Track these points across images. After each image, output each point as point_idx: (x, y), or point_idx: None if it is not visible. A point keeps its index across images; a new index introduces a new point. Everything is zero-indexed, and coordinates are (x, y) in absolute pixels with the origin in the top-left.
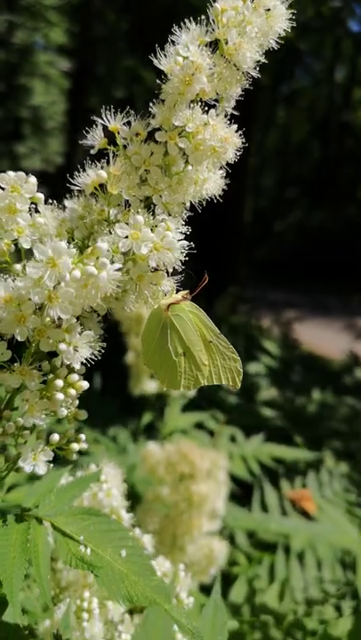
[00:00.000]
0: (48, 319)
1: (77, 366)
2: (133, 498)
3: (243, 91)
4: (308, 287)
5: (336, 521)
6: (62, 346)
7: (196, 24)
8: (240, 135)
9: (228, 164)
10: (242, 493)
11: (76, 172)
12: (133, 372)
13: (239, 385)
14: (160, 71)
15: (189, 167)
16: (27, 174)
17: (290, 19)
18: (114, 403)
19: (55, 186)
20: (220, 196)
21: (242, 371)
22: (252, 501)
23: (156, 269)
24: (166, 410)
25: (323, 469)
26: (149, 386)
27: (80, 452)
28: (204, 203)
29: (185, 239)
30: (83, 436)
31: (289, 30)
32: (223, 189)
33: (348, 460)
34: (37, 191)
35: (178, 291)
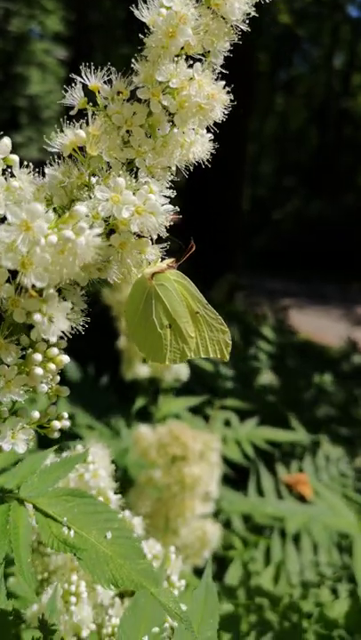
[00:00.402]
0: (23, 288)
1: (53, 339)
2: (126, 482)
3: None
4: (306, 276)
5: (333, 504)
6: (37, 316)
7: None
8: (228, 92)
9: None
10: (237, 477)
11: (55, 134)
12: (125, 357)
13: (227, 357)
14: (144, 26)
15: (175, 129)
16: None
17: None
18: (108, 388)
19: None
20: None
21: (230, 342)
22: (247, 485)
23: (139, 236)
24: (160, 394)
25: (319, 454)
26: (142, 370)
27: (72, 437)
28: (191, 168)
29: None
30: (65, 414)
31: None
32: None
33: (345, 445)
34: (17, 157)
35: (163, 260)
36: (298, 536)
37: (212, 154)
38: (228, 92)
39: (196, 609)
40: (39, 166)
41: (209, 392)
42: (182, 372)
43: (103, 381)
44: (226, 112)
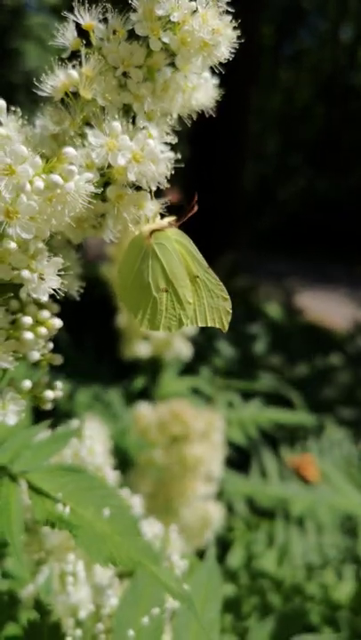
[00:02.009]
0: (10, 243)
1: (44, 298)
2: (126, 462)
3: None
4: (312, 256)
5: (338, 486)
6: (25, 273)
7: None
8: (234, 28)
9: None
10: (240, 460)
11: (45, 76)
12: (125, 336)
13: (226, 327)
14: None
15: (177, 73)
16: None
17: None
18: (107, 367)
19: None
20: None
21: (230, 311)
22: (250, 468)
23: (137, 188)
24: (160, 374)
25: (324, 436)
26: (142, 349)
27: (69, 416)
28: (193, 116)
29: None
30: (59, 384)
31: None
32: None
33: (350, 428)
34: (4, 103)
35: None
36: (302, 518)
37: (212, 119)
38: (235, 28)
39: (198, 590)
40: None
41: (211, 370)
42: (184, 351)
43: (102, 360)
44: (232, 51)
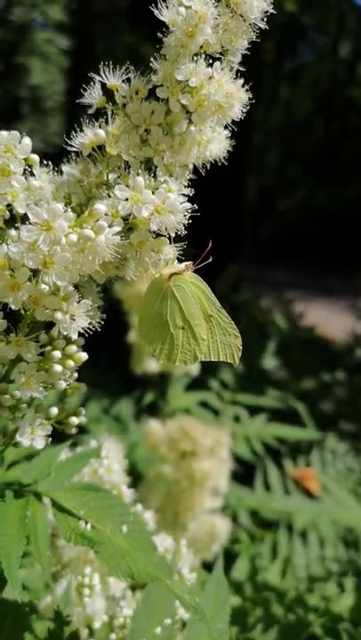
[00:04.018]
0: (44, 286)
1: (74, 336)
2: (135, 476)
3: (245, 65)
4: (311, 266)
5: (340, 499)
6: (58, 315)
7: None
8: (247, 90)
9: (231, 141)
10: (245, 473)
11: (74, 133)
12: (135, 351)
13: (237, 362)
14: (162, 24)
15: (192, 127)
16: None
17: None
18: (117, 382)
19: (56, 165)
20: (223, 173)
21: (241, 348)
22: (254, 480)
23: (157, 234)
24: (169, 388)
25: (326, 449)
26: (151, 365)
27: (81, 430)
28: (208, 165)
29: (188, 202)
30: (83, 410)
31: None
32: (226, 166)
33: (351, 440)
34: (38, 157)
35: (180, 262)
36: (304, 530)
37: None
38: (247, 91)
39: (207, 602)
40: (42, 157)
41: (219, 384)
42: (193, 367)
43: (111, 371)
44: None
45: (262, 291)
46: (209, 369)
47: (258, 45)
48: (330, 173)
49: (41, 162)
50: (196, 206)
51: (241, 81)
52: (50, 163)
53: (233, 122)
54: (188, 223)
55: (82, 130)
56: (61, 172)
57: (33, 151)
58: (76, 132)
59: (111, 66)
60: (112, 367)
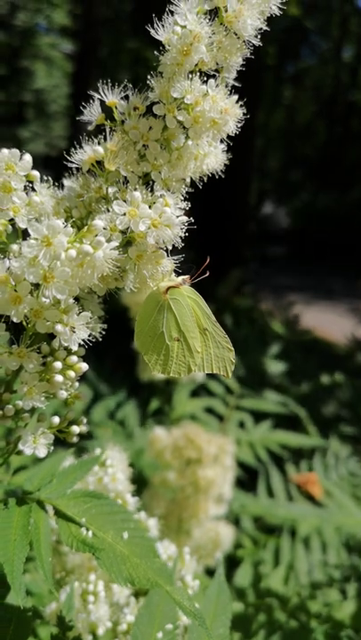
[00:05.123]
0: (44, 299)
1: (75, 348)
2: (140, 482)
3: (246, 69)
4: (313, 270)
5: (342, 504)
6: (59, 327)
7: None
8: (241, 106)
9: (233, 145)
10: (248, 479)
11: (74, 150)
12: (141, 358)
13: (230, 375)
14: (159, 44)
15: (189, 142)
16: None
17: None
18: (123, 386)
19: (59, 170)
20: (226, 177)
21: (234, 361)
22: (256, 486)
23: (155, 248)
24: (175, 394)
25: (329, 453)
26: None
27: (87, 436)
28: (204, 179)
29: (186, 215)
30: (84, 419)
31: None
32: (228, 170)
33: (353, 444)
34: (38, 173)
35: (178, 274)
36: (307, 536)
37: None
38: (241, 106)
39: (208, 607)
40: (46, 160)
41: (224, 390)
42: (198, 373)
43: (118, 379)
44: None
45: (265, 294)
46: (214, 374)
47: (260, 49)
48: (332, 177)
49: (44, 164)
50: (192, 219)
51: (235, 97)
52: (50, 178)
53: (235, 126)
54: (192, 228)
55: (81, 146)
56: (62, 186)
57: (36, 154)
58: (78, 139)
59: (110, 84)
60: (118, 372)
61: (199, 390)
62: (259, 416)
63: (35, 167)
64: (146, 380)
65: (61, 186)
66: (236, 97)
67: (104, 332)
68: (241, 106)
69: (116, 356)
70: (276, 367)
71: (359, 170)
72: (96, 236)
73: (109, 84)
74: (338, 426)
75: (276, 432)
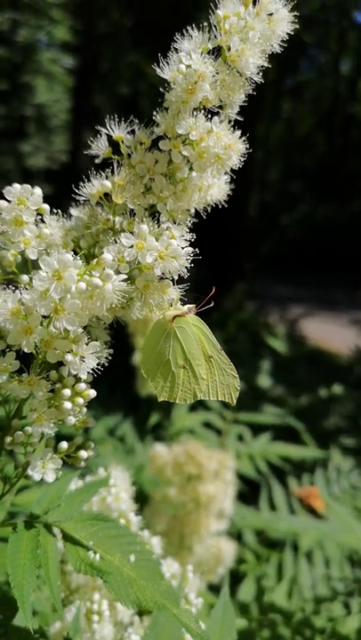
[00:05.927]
0: (54, 330)
1: (84, 377)
2: (141, 498)
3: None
4: (314, 281)
5: (344, 519)
6: (69, 357)
7: (199, 30)
8: (244, 141)
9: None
10: (249, 492)
11: (81, 183)
12: (140, 373)
13: (235, 402)
14: (163, 79)
15: (193, 174)
16: (32, 187)
17: (292, 21)
18: (122, 402)
19: (59, 184)
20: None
21: (239, 388)
22: (258, 499)
23: (161, 278)
24: (173, 409)
25: (330, 466)
26: None
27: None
28: (208, 209)
29: (190, 244)
30: (92, 444)
31: (292, 33)
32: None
33: (354, 456)
34: (48, 206)
35: (184, 303)
36: (310, 550)
37: None
38: (244, 142)
39: (214, 628)
40: (47, 175)
41: (221, 404)
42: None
43: (117, 395)
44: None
45: (266, 306)
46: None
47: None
48: (332, 188)
49: (45, 178)
50: (197, 250)
51: (238, 132)
52: (60, 211)
53: (238, 160)
54: (194, 253)
55: (89, 179)
56: (70, 216)
57: (37, 168)
58: (83, 181)
59: (117, 119)
60: (117, 388)
61: (196, 405)
62: (257, 429)
63: (36, 181)
64: (145, 395)
65: (68, 214)
66: (239, 132)
67: (110, 357)
68: (244, 141)
69: (114, 372)
70: (265, 382)
71: (359, 181)
72: (104, 268)
73: (114, 113)
74: (339, 438)
75: (276, 444)
